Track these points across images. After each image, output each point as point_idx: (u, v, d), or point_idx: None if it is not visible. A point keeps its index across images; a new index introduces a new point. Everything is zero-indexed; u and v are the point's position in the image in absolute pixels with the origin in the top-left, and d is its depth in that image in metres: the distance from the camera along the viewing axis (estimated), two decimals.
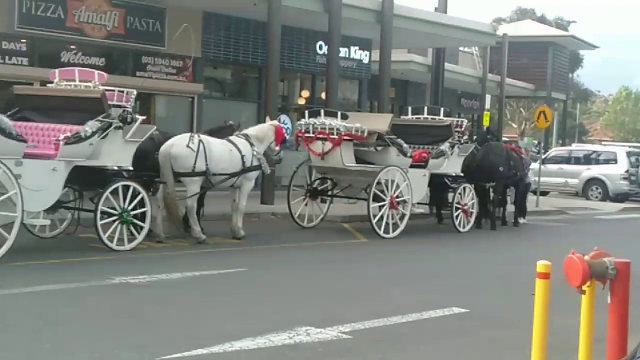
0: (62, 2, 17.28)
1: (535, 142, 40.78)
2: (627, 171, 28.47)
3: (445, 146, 15.83)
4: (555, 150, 32.96)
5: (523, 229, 18.13)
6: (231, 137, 13.10)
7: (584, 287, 4.66)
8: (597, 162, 29.45)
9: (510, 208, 18.80)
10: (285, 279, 10.04)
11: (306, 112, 15.19)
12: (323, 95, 21.33)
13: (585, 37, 45.12)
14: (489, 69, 32.67)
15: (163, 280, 9.31)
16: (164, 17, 18.97)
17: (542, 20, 54.59)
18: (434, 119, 16.66)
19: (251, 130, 13.51)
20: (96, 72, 11.51)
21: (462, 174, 16.46)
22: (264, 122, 14.24)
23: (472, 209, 16.50)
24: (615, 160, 28.97)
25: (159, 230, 12.23)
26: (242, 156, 12.83)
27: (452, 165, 16.15)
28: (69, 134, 10.47)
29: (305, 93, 23.67)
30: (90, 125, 10.61)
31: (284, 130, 14.46)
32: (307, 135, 14.63)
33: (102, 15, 17.94)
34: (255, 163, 13.06)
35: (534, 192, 22.43)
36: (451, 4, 26.79)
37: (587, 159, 29.78)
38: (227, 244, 12.67)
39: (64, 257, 10.53)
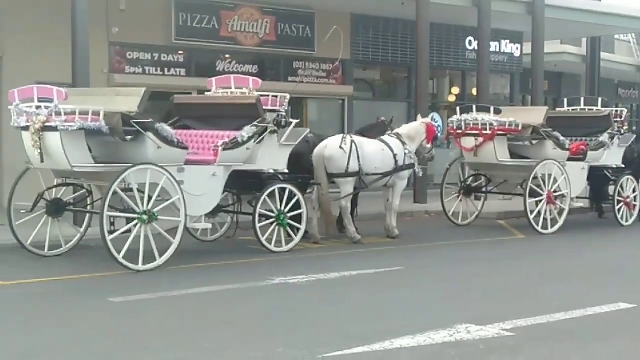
0: (216, 13, 17.85)
1: None
2: None
3: (604, 137, 15.21)
4: None
5: None
6: (383, 137, 13.09)
7: None
8: None
9: None
10: (441, 277, 9.92)
11: (458, 108, 14.99)
12: (474, 92, 20.98)
13: None
14: None
15: (321, 280, 9.40)
16: (313, 22, 19.23)
17: None
18: (592, 109, 16.05)
19: (403, 129, 13.45)
20: (251, 78, 11.76)
21: (623, 166, 15.79)
22: (415, 120, 14.15)
23: (635, 201, 15.79)
24: None
25: (315, 232, 12.36)
26: (395, 155, 12.78)
27: (612, 156, 15.49)
28: (227, 140, 10.74)
29: (456, 90, 23.36)
30: (247, 131, 10.85)
31: (436, 128, 14.31)
32: (459, 131, 14.43)
33: (254, 24, 18.39)
34: (408, 162, 12.99)
35: None
36: None
37: None
38: (382, 243, 12.66)
39: (226, 259, 10.82)
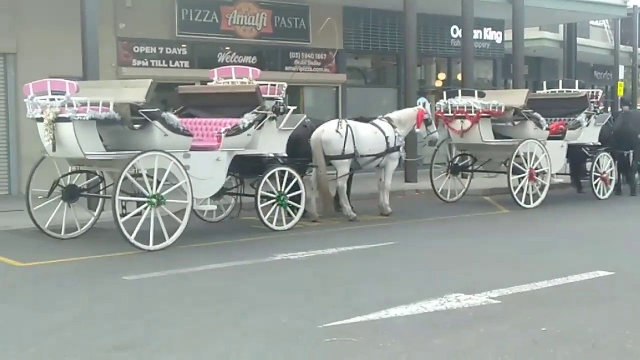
0: (217, 8, 17.79)
1: None
2: None
3: (581, 117, 15.21)
4: None
5: None
6: (375, 121, 13.10)
7: None
8: None
9: None
10: (432, 250, 9.94)
11: (444, 93, 14.97)
12: (459, 77, 20.92)
13: None
14: (621, 40, 31.17)
15: (320, 256, 9.42)
16: (307, 14, 19.17)
17: None
18: (569, 91, 16.03)
19: (394, 114, 13.49)
20: (250, 68, 11.76)
21: (599, 143, 15.80)
22: (404, 106, 14.14)
23: (611, 176, 15.82)
24: None
25: (313, 210, 12.37)
26: (386, 137, 12.79)
27: (589, 135, 15.50)
28: (229, 127, 10.72)
29: (442, 75, 23.33)
30: (248, 118, 10.84)
31: (425, 113, 14.30)
32: (446, 114, 14.43)
33: (252, 17, 18.33)
34: (398, 144, 13.00)
35: None
36: None
37: None
38: (375, 220, 12.67)
39: (230, 238, 10.84)
